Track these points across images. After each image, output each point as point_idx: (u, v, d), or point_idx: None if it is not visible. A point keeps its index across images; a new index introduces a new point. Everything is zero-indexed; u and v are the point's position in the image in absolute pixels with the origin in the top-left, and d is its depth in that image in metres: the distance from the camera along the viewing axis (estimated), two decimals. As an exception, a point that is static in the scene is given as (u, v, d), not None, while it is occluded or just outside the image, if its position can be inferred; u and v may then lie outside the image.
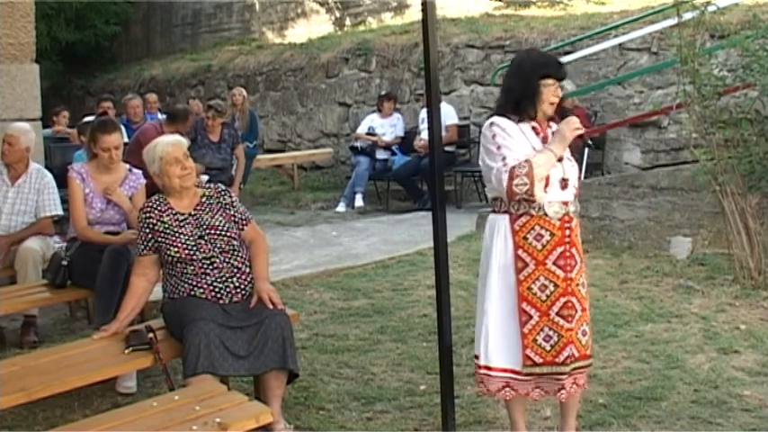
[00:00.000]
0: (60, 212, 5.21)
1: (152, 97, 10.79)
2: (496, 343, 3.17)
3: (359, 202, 9.54)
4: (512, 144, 3.12)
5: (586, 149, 8.01)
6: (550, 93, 3.16)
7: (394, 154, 9.75)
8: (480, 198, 9.30)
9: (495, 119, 3.20)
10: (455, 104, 9.75)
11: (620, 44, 8.75)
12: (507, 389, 3.20)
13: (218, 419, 2.82)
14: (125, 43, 16.63)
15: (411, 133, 9.72)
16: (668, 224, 6.40)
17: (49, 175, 5.28)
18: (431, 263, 3.99)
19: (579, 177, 3.25)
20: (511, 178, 3.06)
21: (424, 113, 8.54)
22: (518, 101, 3.18)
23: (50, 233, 5.19)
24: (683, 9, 5.72)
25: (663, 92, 8.37)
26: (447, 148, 8.62)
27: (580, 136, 3.20)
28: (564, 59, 8.42)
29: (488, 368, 3.20)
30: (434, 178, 3.44)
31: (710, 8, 5.71)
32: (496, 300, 3.17)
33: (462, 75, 10.21)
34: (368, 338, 4.77)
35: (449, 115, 8.97)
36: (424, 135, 8.58)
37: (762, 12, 6.89)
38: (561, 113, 3.22)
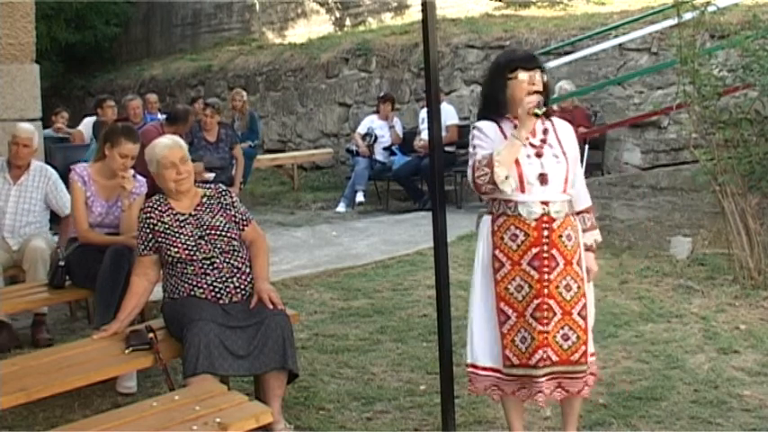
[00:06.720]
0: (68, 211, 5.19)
1: (152, 97, 10.79)
2: (480, 342, 3.17)
3: (360, 198, 9.52)
4: (487, 143, 3.10)
5: (587, 149, 8.00)
6: (521, 85, 3.06)
7: (394, 154, 9.75)
8: (480, 198, 9.26)
9: (477, 123, 3.20)
10: (455, 104, 9.74)
11: (620, 44, 8.75)
12: (494, 388, 3.19)
13: (218, 419, 2.82)
14: (125, 43, 16.63)
15: (411, 133, 9.72)
16: (668, 224, 6.41)
17: (55, 173, 5.26)
18: (431, 263, 3.99)
19: (573, 175, 3.16)
20: (474, 171, 3.07)
21: (424, 113, 8.54)
22: (490, 99, 3.17)
23: None
24: (683, 9, 5.73)
25: (663, 92, 8.37)
26: (447, 148, 8.60)
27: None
28: (564, 60, 8.53)
29: (474, 366, 3.20)
30: (434, 178, 3.45)
31: (710, 8, 5.71)
32: (479, 299, 3.18)
33: (462, 75, 10.21)
34: (368, 338, 4.77)
35: (449, 115, 8.98)
36: (424, 135, 8.57)
37: (762, 12, 6.88)
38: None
